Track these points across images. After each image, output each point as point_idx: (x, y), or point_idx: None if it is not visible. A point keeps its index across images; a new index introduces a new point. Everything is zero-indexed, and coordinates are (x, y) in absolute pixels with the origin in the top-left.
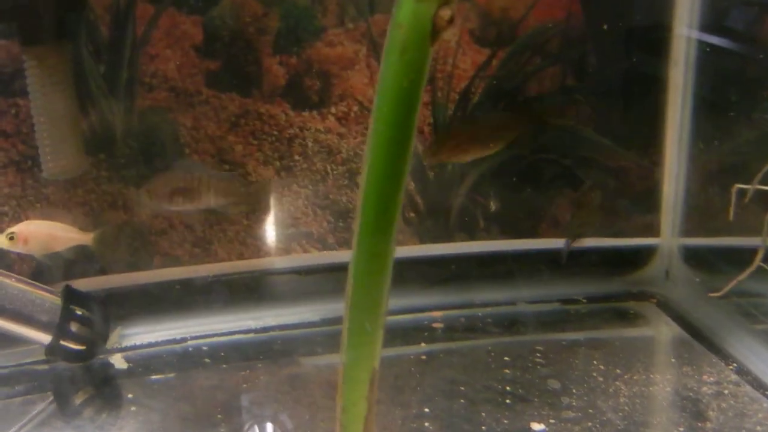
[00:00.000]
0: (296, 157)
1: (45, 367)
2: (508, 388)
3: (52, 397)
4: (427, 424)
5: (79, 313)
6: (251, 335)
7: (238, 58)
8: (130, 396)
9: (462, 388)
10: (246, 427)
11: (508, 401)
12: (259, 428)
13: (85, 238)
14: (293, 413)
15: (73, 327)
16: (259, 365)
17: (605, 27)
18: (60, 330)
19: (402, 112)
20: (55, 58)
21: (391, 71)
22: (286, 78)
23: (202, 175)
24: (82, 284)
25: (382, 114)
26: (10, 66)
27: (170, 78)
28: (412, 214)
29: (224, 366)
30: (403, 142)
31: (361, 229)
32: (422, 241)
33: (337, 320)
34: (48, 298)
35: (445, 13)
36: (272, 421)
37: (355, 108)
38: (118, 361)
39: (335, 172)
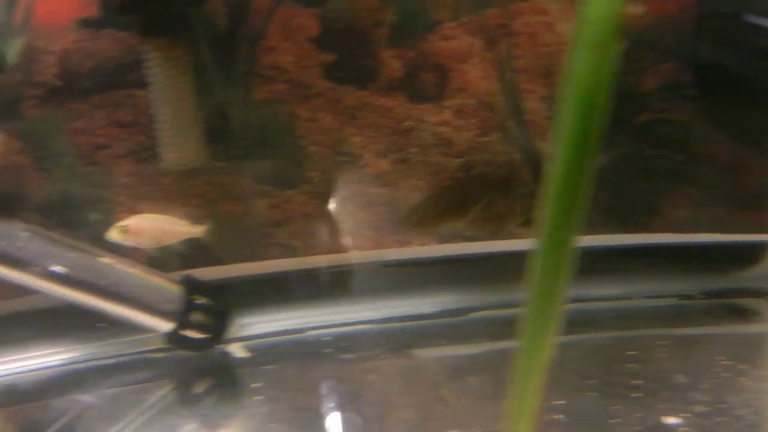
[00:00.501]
0: (412, 150)
1: (163, 355)
2: (634, 381)
3: (173, 385)
4: (560, 416)
5: (200, 302)
6: (370, 326)
7: (354, 50)
8: (254, 385)
9: (590, 381)
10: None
11: (636, 395)
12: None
13: (197, 231)
14: (414, 405)
15: (195, 316)
16: (380, 357)
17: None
18: (181, 319)
19: (591, 105)
20: (175, 50)
21: (580, 67)
22: (402, 71)
23: None
24: (199, 274)
25: (571, 107)
26: (127, 58)
27: (287, 70)
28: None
29: (345, 357)
30: (590, 136)
31: (547, 219)
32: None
33: (456, 312)
34: (168, 286)
35: (636, 9)
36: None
37: (472, 101)
38: (238, 350)
39: (451, 164)
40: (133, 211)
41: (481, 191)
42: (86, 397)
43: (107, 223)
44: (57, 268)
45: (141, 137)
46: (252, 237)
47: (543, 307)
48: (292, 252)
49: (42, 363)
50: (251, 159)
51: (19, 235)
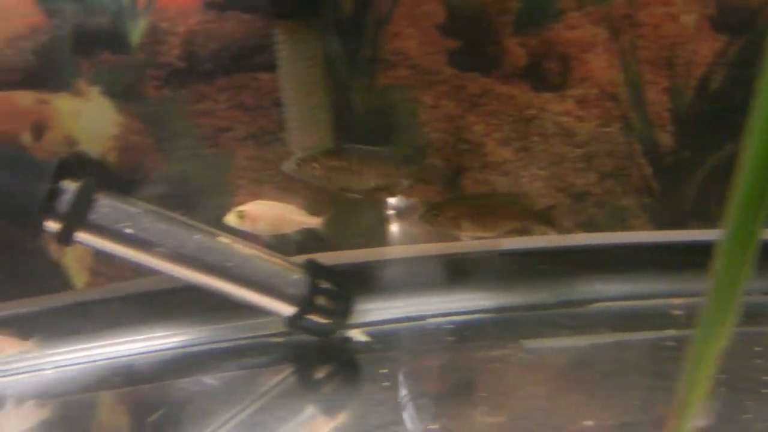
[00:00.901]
0: (534, 138)
1: (282, 339)
2: (764, 377)
3: (294, 368)
4: None
5: (325, 286)
6: (493, 315)
7: (478, 37)
8: (381, 371)
9: (719, 376)
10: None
11: (766, 391)
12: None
13: (315, 222)
14: (544, 396)
15: (319, 300)
16: (504, 346)
17: None
18: (305, 303)
19: None
20: (305, 33)
21: None
22: (526, 59)
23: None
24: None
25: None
26: (252, 40)
27: (411, 56)
28: (647, 199)
29: (467, 345)
30: None
31: (736, 209)
32: (657, 227)
33: (572, 302)
34: (291, 270)
35: None
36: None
37: (595, 91)
38: (358, 336)
39: (572, 154)
40: (252, 194)
41: (517, 215)
42: (204, 380)
43: (225, 207)
44: (181, 249)
45: (263, 121)
46: (370, 224)
47: (724, 297)
48: (410, 239)
49: (160, 345)
50: (373, 144)
51: (143, 215)
